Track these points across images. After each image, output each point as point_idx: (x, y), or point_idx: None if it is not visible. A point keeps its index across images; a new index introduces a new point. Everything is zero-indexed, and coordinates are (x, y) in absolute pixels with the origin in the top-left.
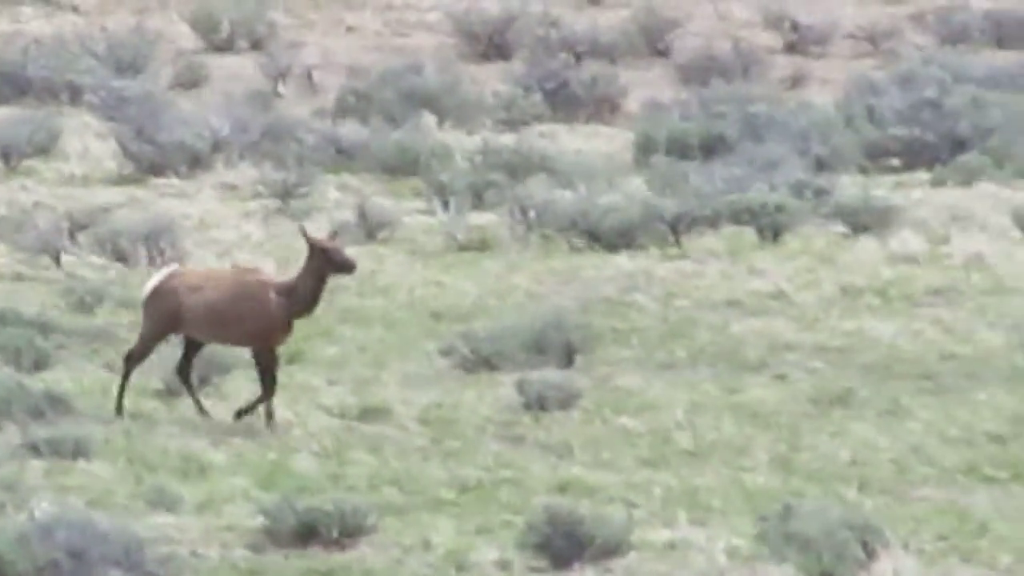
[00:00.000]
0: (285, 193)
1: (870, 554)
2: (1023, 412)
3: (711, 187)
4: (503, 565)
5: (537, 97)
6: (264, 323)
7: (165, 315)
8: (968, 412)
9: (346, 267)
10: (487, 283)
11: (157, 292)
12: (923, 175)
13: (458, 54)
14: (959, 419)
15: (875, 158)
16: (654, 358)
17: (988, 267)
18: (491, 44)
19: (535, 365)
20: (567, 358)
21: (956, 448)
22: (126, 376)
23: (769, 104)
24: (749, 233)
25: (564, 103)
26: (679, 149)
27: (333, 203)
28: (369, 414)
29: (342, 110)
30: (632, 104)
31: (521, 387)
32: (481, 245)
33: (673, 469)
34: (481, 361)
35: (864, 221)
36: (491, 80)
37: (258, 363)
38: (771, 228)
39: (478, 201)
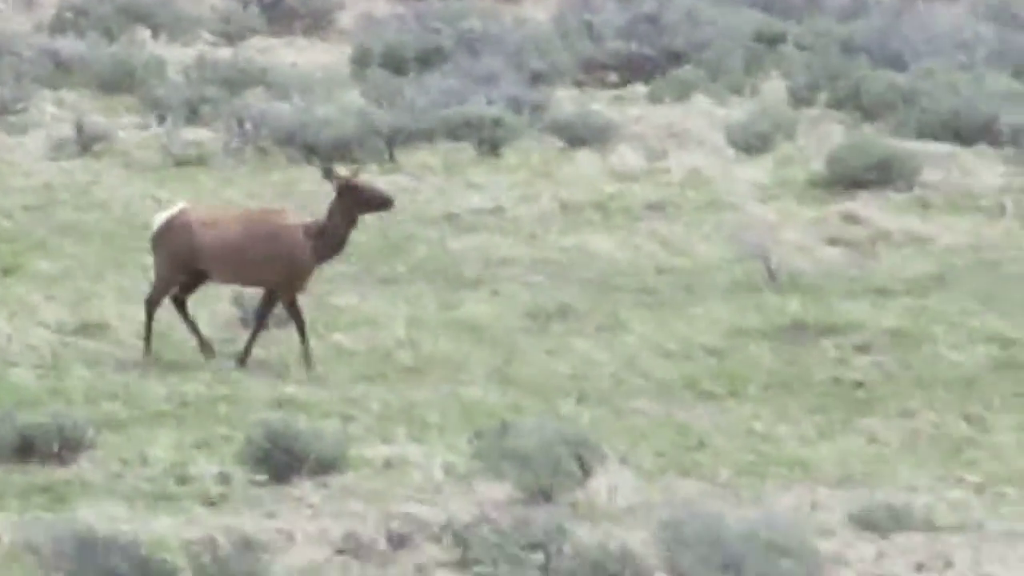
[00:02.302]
0: (2, 108)
1: (587, 469)
2: (740, 326)
3: (427, 101)
4: (222, 479)
5: (254, 11)
6: (293, 266)
7: (179, 253)
8: (686, 325)
9: (384, 203)
10: (203, 197)
11: (168, 229)
12: (640, 89)
13: None
14: (677, 333)
15: (592, 72)
16: (372, 274)
17: (705, 182)
18: None
19: None
20: None
21: (674, 362)
22: (150, 319)
23: (484, 19)
24: (466, 148)
25: (281, 17)
26: (395, 63)
27: (50, 118)
28: (87, 329)
29: (60, 25)
30: (348, 18)
31: (238, 302)
32: (197, 159)
33: (391, 385)
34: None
35: (582, 136)
36: None
37: (265, 304)
38: (488, 142)
39: (194, 115)
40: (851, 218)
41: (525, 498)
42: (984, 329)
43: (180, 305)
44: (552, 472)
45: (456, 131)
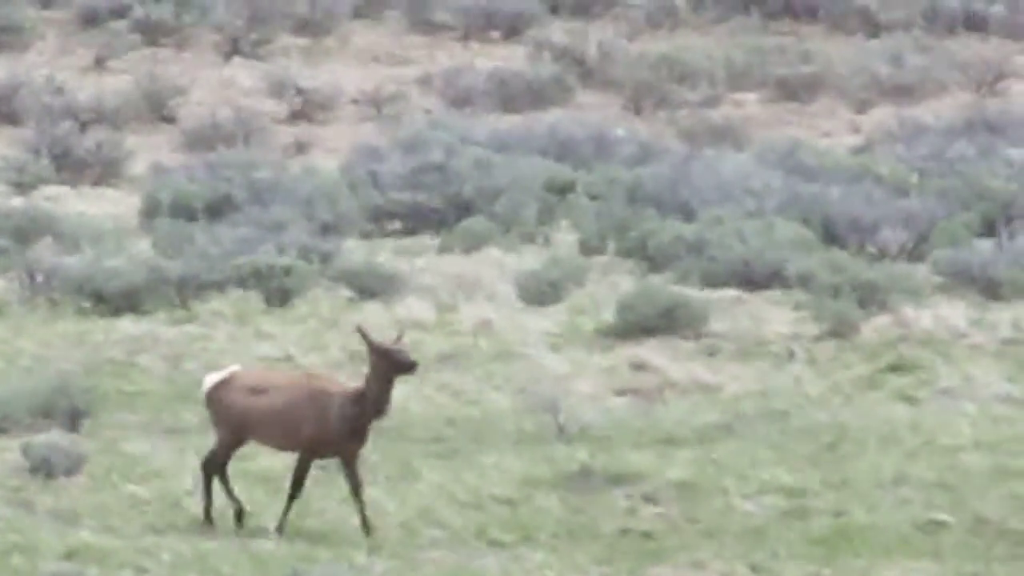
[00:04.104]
0: None
1: None
2: (530, 475)
3: (218, 250)
4: None
5: (44, 162)
6: (327, 432)
7: (231, 419)
8: (476, 475)
9: (408, 368)
10: None
11: (218, 392)
12: (429, 240)
13: None
14: (468, 482)
15: (380, 222)
16: (161, 422)
17: (494, 333)
18: None
19: (41, 429)
20: (73, 422)
21: (465, 511)
22: (209, 483)
23: (273, 170)
24: (256, 297)
25: (71, 166)
26: (185, 212)
27: None
28: None
29: None
30: (138, 168)
31: (27, 451)
32: None
33: (182, 535)
34: None
35: (371, 286)
36: None
37: (347, 469)
38: (278, 292)
39: None
40: (640, 367)
41: None
42: (772, 480)
43: (221, 468)
44: None
45: (246, 280)
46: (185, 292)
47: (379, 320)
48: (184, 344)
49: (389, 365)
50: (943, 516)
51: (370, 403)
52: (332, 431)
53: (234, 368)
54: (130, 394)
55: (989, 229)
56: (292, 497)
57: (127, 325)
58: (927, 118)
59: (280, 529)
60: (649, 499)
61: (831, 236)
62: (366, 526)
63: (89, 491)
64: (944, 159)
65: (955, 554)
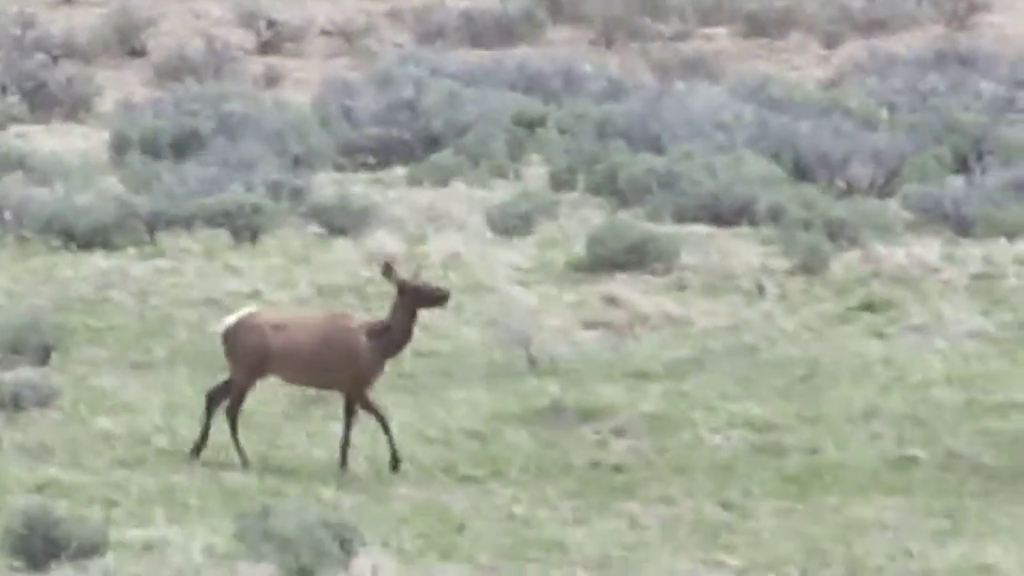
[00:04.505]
0: None
1: (348, 552)
2: (500, 410)
3: (186, 187)
4: None
5: (14, 98)
6: (356, 368)
7: (251, 355)
8: (445, 410)
9: (441, 299)
10: None
11: (238, 330)
12: (399, 172)
13: None
14: (437, 417)
15: (351, 155)
16: (130, 357)
17: (464, 266)
18: None
19: (11, 365)
20: (44, 357)
21: (434, 447)
22: (233, 428)
23: (244, 103)
24: (225, 234)
25: (41, 103)
26: (153, 148)
27: None
28: None
29: None
30: (107, 103)
31: None
32: None
33: (150, 469)
34: None
35: (341, 222)
36: None
37: (348, 406)
38: (247, 229)
39: None
40: (610, 301)
41: None
42: (742, 413)
43: (211, 404)
44: (313, 554)
45: (215, 218)
46: (154, 228)
47: (349, 256)
48: (152, 280)
49: (420, 299)
50: (915, 451)
51: (396, 336)
52: (366, 364)
53: (251, 308)
54: (99, 329)
55: (961, 165)
56: (386, 429)
57: (96, 261)
58: (898, 49)
59: (394, 461)
60: (619, 433)
61: (801, 171)
62: (344, 461)
63: (59, 426)
64: (915, 92)
65: (927, 489)
